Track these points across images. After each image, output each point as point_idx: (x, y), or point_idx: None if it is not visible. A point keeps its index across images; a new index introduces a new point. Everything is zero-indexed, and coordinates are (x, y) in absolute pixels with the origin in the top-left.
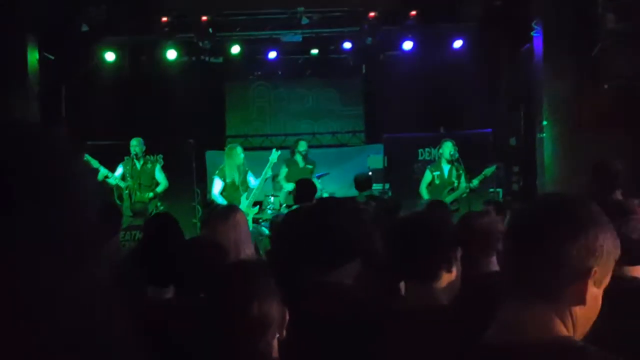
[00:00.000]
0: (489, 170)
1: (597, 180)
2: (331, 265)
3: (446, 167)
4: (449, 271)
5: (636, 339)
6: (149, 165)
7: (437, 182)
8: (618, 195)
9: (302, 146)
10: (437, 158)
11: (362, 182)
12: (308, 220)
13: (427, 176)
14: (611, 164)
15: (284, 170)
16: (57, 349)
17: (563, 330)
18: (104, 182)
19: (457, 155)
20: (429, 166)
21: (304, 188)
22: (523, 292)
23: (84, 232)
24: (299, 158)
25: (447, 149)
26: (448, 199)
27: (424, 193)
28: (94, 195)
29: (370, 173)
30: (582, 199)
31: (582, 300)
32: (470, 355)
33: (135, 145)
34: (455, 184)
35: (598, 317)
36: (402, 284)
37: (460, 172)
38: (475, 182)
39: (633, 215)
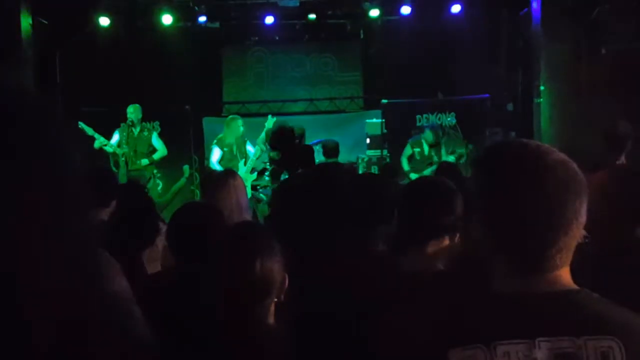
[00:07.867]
0: (464, 150)
1: (604, 143)
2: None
3: (426, 147)
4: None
5: None
6: (146, 133)
7: (417, 157)
8: (622, 159)
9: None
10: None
11: (333, 149)
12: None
13: (408, 150)
14: (617, 127)
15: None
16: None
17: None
18: (101, 150)
19: (454, 121)
20: (410, 140)
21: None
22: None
23: (69, 201)
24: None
25: (429, 138)
26: (426, 172)
27: (405, 165)
28: (82, 163)
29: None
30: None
31: None
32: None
33: (132, 112)
34: (435, 159)
35: None
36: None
37: (441, 147)
38: (451, 157)
39: None
